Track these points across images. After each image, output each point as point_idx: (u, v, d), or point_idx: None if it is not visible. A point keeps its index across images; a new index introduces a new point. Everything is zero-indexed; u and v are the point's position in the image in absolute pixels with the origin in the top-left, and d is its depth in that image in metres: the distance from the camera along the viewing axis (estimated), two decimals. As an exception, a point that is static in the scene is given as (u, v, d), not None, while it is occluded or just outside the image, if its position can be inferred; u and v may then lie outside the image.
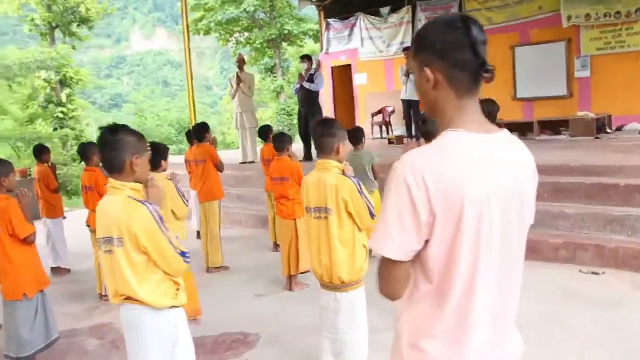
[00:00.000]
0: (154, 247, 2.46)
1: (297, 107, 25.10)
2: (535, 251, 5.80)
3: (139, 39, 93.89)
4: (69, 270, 7.00)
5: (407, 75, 10.78)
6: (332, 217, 3.26)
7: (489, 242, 1.42)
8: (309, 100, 9.39)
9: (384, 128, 14.52)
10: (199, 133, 6.47)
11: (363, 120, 15.29)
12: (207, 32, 24.28)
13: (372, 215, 3.24)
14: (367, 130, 15.07)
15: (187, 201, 4.64)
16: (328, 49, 16.22)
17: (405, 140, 10.80)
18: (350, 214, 3.23)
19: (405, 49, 10.92)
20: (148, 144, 2.83)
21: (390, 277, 1.48)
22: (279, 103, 24.71)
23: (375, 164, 6.21)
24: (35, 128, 18.58)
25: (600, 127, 9.91)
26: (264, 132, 7.05)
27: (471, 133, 1.44)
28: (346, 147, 3.40)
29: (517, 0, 11.79)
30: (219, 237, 6.37)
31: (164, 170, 4.70)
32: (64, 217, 7.13)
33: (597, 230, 5.81)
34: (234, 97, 10.46)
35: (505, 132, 1.53)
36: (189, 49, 12.28)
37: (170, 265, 2.51)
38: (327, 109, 16.80)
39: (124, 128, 2.61)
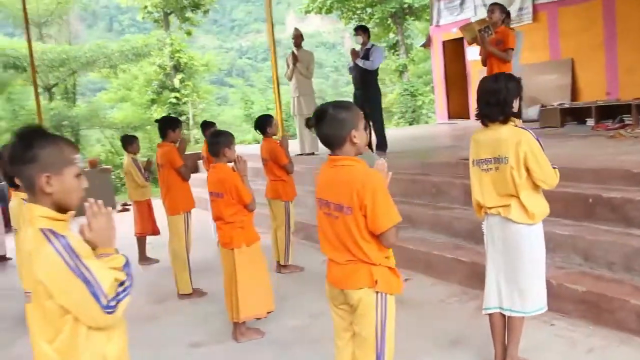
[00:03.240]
0: None
1: (423, 88, 22.71)
2: (602, 310, 3.72)
3: (293, 22, 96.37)
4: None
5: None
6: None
7: None
8: (364, 80, 7.68)
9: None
10: (160, 129, 5.20)
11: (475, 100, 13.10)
12: (329, 11, 23.04)
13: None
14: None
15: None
16: (438, 21, 14.21)
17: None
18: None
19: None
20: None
21: None
22: (402, 83, 22.75)
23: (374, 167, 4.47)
24: (151, 114, 18.91)
25: None
26: (260, 123, 5.57)
27: None
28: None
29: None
30: (184, 259, 5.07)
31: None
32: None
33: None
34: (290, 79, 9.06)
35: None
36: (273, 36, 11.83)
37: None
38: (439, 89, 14.89)
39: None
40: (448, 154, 7.21)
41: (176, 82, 19.53)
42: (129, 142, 6.51)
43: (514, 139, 2.92)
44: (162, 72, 19.72)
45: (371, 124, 7.84)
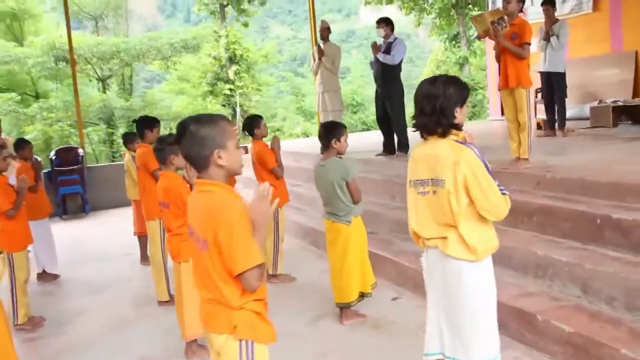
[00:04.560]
0: None
1: (485, 81, 21.83)
2: (590, 356, 3.14)
3: (367, 12, 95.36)
4: (55, 277, 6.19)
5: (547, 38, 7.81)
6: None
7: None
8: (384, 76, 7.17)
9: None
10: (137, 129, 4.98)
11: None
12: (390, 1, 22.40)
13: None
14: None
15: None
16: (494, 11, 13.31)
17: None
18: None
19: (545, 2, 7.92)
20: None
21: None
22: (463, 76, 21.79)
23: (350, 179, 4.05)
24: (206, 106, 19.05)
25: None
26: (248, 124, 5.22)
27: None
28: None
29: None
30: (161, 265, 4.84)
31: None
32: None
33: None
34: (315, 74, 8.67)
35: None
36: (315, 30, 11.92)
37: None
38: (492, 82, 13.97)
39: None
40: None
41: (230, 74, 19.56)
42: (129, 140, 6.35)
43: (451, 157, 2.43)
44: (217, 64, 19.80)
45: (392, 123, 7.39)
